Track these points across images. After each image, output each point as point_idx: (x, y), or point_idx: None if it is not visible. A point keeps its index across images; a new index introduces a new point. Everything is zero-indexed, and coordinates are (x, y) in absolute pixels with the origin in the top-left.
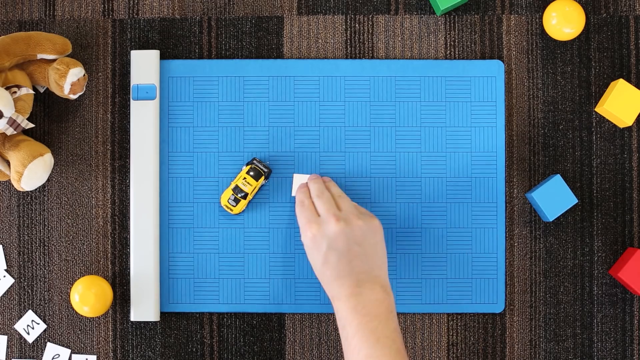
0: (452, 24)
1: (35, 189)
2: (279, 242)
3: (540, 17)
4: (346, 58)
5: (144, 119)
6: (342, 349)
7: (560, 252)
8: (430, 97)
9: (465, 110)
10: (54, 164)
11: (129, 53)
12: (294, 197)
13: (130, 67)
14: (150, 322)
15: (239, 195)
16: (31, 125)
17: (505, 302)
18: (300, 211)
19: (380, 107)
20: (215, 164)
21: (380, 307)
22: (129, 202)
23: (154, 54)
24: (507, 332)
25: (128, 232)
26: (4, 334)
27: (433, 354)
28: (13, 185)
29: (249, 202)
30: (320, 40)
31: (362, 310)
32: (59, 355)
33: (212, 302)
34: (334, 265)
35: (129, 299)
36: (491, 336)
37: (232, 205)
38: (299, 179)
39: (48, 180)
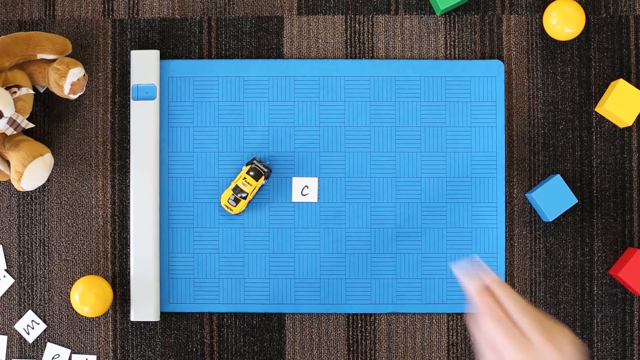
0: (452, 24)
1: (35, 189)
2: (279, 242)
3: (540, 17)
4: (346, 58)
5: (144, 119)
6: (342, 349)
7: (560, 252)
8: (430, 97)
9: (465, 110)
10: (54, 164)
11: (129, 53)
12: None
13: (130, 67)
14: (150, 322)
15: (239, 195)
16: (31, 125)
17: None
18: (497, 328)
19: (380, 107)
20: (215, 164)
21: None
22: (129, 202)
23: (154, 54)
24: None
25: (128, 232)
26: (4, 334)
27: (433, 354)
28: (13, 185)
29: (249, 202)
30: (320, 40)
31: None
32: (59, 355)
33: (212, 302)
34: None
35: (129, 299)
36: None
37: (232, 205)
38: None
39: (48, 180)
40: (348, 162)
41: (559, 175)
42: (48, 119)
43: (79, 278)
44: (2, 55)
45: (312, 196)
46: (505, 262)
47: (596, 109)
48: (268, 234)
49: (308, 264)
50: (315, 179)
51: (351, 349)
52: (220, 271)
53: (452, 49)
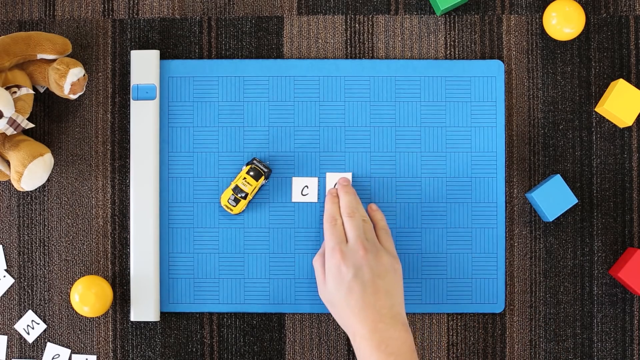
0: (452, 24)
1: (35, 189)
2: (279, 242)
3: (540, 17)
4: (346, 58)
5: (144, 119)
6: (342, 349)
7: (560, 252)
8: (430, 97)
9: (465, 110)
10: (54, 164)
11: (129, 53)
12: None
13: (130, 67)
14: (150, 322)
15: (239, 195)
16: (31, 125)
17: (505, 302)
18: (330, 230)
19: (380, 107)
20: (215, 164)
21: (404, 345)
22: (129, 202)
23: (154, 54)
24: (507, 332)
25: (128, 232)
26: (4, 334)
27: (433, 354)
28: (13, 185)
29: (249, 202)
30: (320, 40)
31: (386, 349)
32: (59, 355)
33: (212, 302)
34: (359, 295)
35: (129, 299)
36: (491, 336)
37: (232, 205)
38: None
39: (48, 180)
40: (348, 162)
41: (559, 175)
42: (48, 119)
43: (79, 278)
44: (2, 55)
45: (312, 196)
46: (505, 262)
47: (596, 109)
48: (268, 234)
49: (308, 264)
50: (315, 179)
51: (351, 349)
52: (220, 271)
53: (452, 49)
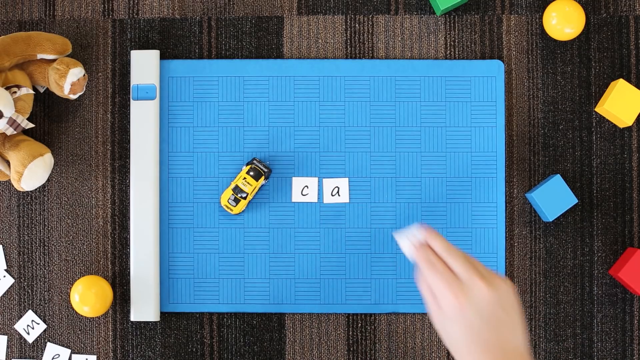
0: (452, 24)
1: (35, 189)
2: (279, 242)
3: (540, 17)
4: (346, 58)
5: (144, 119)
6: (342, 349)
7: (560, 252)
8: (430, 97)
9: (465, 110)
10: (54, 164)
11: (129, 53)
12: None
13: (130, 67)
14: (150, 322)
15: (239, 195)
16: (31, 125)
17: None
18: (433, 276)
19: (380, 107)
20: (215, 164)
21: None
22: (129, 202)
23: (154, 54)
24: None
25: (128, 232)
26: (4, 334)
27: (433, 354)
28: (13, 185)
29: (249, 202)
30: (320, 40)
31: None
32: (59, 355)
33: (212, 302)
34: (481, 336)
35: (129, 299)
36: None
37: (232, 205)
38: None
39: (48, 180)
40: (348, 162)
41: (559, 175)
42: (48, 119)
43: (79, 278)
44: (2, 55)
45: (312, 196)
46: (505, 262)
47: (596, 109)
48: (268, 234)
49: (308, 264)
50: (315, 179)
51: (351, 349)
52: (220, 271)
53: (452, 49)
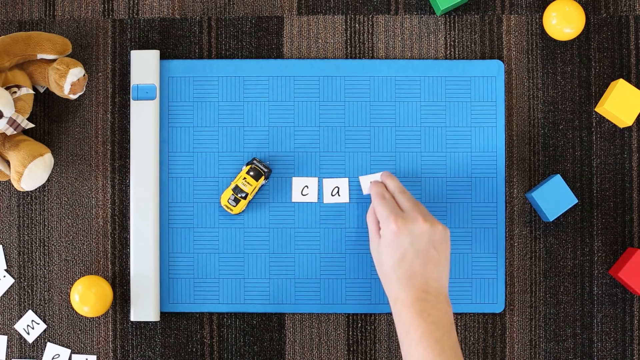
0: (452, 24)
1: (35, 189)
2: (279, 242)
3: (540, 17)
4: (346, 58)
5: (144, 119)
6: (342, 349)
7: (560, 252)
8: (430, 97)
9: (465, 110)
10: (54, 164)
11: (129, 53)
12: (368, 195)
13: (130, 67)
14: (150, 322)
15: (239, 195)
16: (31, 125)
17: (505, 302)
18: (381, 203)
19: (380, 107)
20: (215, 164)
21: (445, 316)
22: (129, 202)
23: (154, 54)
24: (507, 332)
25: (128, 232)
26: (4, 334)
27: None
28: (13, 185)
29: (249, 202)
30: (320, 40)
31: (427, 318)
32: (59, 355)
33: (212, 302)
34: (410, 264)
35: (129, 299)
36: (491, 336)
37: (232, 205)
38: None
39: (48, 180)
40: (348, 162)
41: (559, 175)
42: (48, 119)
43: (79, 278)
44: (2, 55)
45: (312, 196)
46: (505, 262)
47: (596, 109)
48: (268, 234)
49: (308, 264)
50: (315, 179)
51: (351, 349)
52: (220, 271)
53: (452, 49)
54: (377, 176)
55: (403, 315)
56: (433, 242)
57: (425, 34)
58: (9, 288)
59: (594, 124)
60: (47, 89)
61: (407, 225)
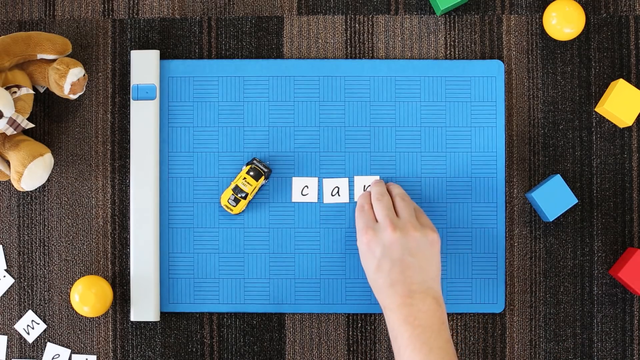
0: (452, 24)
1: (35, 189)
2: (279, 242)
3: (540, 17)
4: (346, 58)
5: (144, 119)
6: (342, 349)
7: (560, 252)
8: (430, 97)
9: (465, 110)
10: (54, 164)
11: (129, 53)
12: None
13: (130, 67)
14: (150, 322)
15: (239, 195)
16: (31, 125)
17: (505, 302)
18: (359, 215)
19: (380, 107)
20: (215, 164)
21: (432, 318)
22: (129, 202)
23: (154, 54)
24: (507, 332)
25: (128, 232)
26: (4, 334)
27: None
28: (13, 185)
29: (249, 202)
30: (320, 40)
31: (413, 322)
32: (59, 355)
33: (212, 302)
34: (387, 273)
35: (129, 299)
36: (491, 336)
37: (232, 205)
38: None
39: (48, 180)
40: (348, 162)
41: (559, 175)
42: (48, 119)
43: (79, 278)
44: (2, 55)
45: (312, 196)
46: (505, 262)
47: (596, 109)
48: (268, 234)
49: (308, 264)
50: (315, 179)
51: (351, 349)
52: (220, 271)
53: (452, 49)
54: (373, 178)
55: (391, 321)
56: (407, 249)
57: (425, 34)
58: (9, 288)
59: (594, 124)
60: (47, 89)
61: (377, 236)
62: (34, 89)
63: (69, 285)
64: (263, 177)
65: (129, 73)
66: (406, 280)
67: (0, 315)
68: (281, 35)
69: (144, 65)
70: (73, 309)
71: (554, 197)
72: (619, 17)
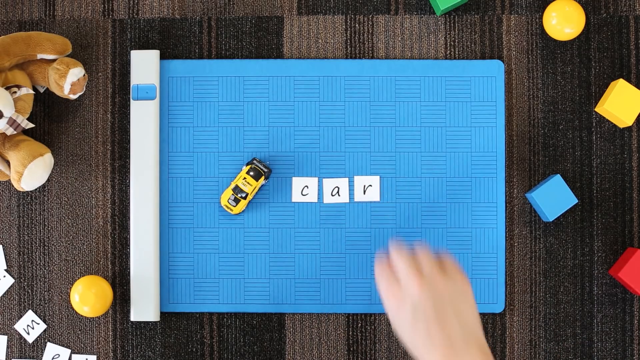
0: (452, 24)
1: (35, 189)
2: (279, 242)
3: (540, 17)
4: (346, 58)
5: (144, 119)
6: (342, 349)
7: (560, 252)
8: (430, 97)
9: (465, 110)
10: (54, 164)
11: (129, 53)
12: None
13: (130, 67)
14: (150, 322)
15: (239, 195)
16: (31, 125)
17: (505, 302)
18: (378, 282)
19: (380, 107)
20: (215, 164)
21: None
22: (129, 202)
23: (154, 54)
24: (507, 332)
25: (128, 232)
26: (4, 334)
27: None
28: (13, 185)
29: (249, 202)
30: (320, 40)
31: None
32: (59, 355)
33: (212, 302)
34: (425, 333)
35: (129, 299)
36: (491, 336)
37: (232, 205)
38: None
39: (48, 180)
40: (348, 162)
41: (559, 175)
42: (48, 119)
43: (79, 278)
44: (2, 55)
45: (312, 196)
46: (505, 262)
47: (596, 109)
48: (268, 234)
49: (308, 264)
50: (315, 179)
51: (351, 349)
52: (220, 271)
53: (452, 49)
54: (371, 178)
55: None
56: (440, 301)
57: (425, 34)
58: (9, 288)
59: (594, 124)
60: (47, 89)
61: (403, 297)
62: (34, 89)
63: (69, 285)
64: (263, 177)
65: (129, 73)
66: (447, 337)
67: (0, 315)
68: (281, 35)
69: (144, 65)
70: (73, 309)
71: (554, 197)
72: (619, 17)
